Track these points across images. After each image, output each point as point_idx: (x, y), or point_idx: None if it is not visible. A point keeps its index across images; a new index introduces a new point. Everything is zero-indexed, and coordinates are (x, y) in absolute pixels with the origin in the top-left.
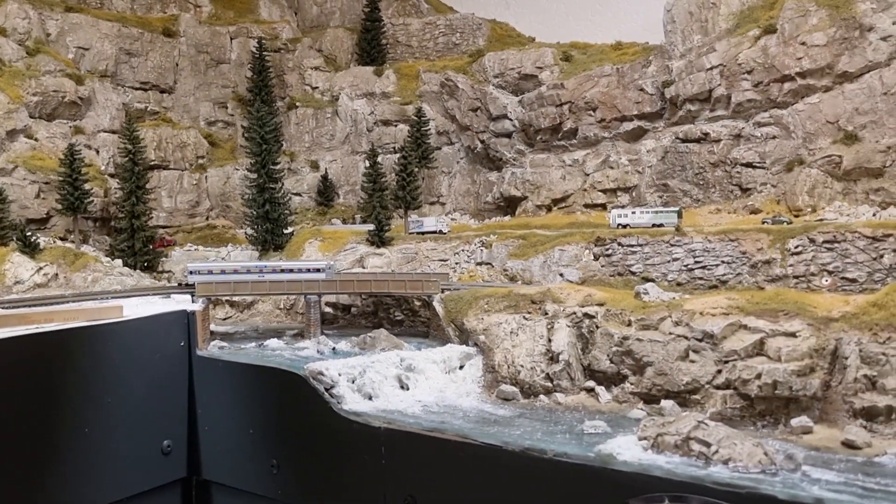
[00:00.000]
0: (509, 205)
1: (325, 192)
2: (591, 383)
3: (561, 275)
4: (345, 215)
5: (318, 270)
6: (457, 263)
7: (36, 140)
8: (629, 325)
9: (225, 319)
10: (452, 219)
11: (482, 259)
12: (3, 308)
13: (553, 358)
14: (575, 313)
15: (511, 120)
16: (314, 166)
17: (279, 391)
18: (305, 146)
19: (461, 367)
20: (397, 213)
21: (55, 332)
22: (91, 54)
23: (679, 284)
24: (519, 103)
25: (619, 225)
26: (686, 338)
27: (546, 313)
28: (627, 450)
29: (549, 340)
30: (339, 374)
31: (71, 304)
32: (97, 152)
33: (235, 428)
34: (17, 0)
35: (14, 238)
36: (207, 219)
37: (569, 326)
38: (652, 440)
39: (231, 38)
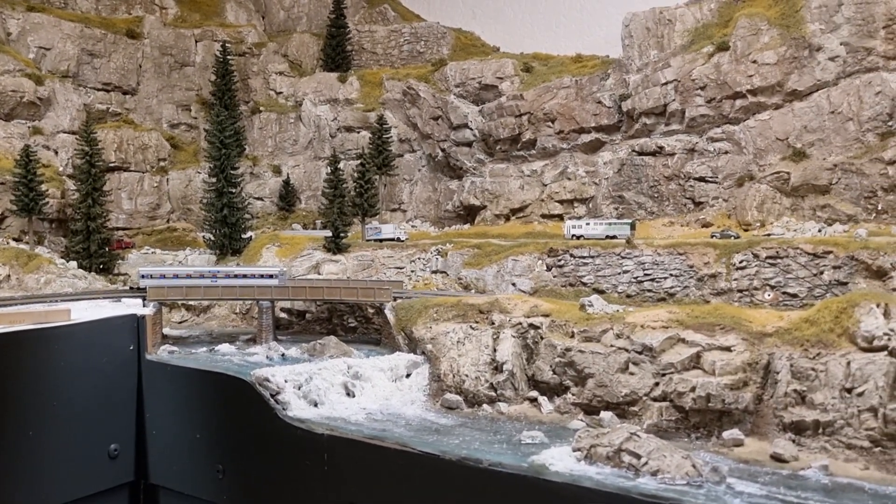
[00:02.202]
0: (469, 213)
1: (287, 197)
2: (534, 393)
3: (514, 284)
4: (306, 220)
5: (271, 276)
6: (412, 271)
7: None
8: (572, 336)
9: (180, 323)
10: (413, 226)
11: (438, 267)
12: None
13: (497, 368)
14: (521, 324)
15: (471, 129)
16: (276, 171)
17: (225, 396)
18: (268, 151)
19: (408, 376)
20: (357, 220)
21: (1, 334)
22: (52, 54)
23: (629, 296)
24: (479, 113)
25: (573, 236)
26: (627, 350)
27: (493, 323)
28: (560, 460)
29: (495, 350)
30: (286, 381)
31: (19, 306)
32: (56, 153)
33: (183, 432)
34: None
35: None
36: (168, 221)
37: (514, 337)
38: (585, 451)
39: (196, 41)
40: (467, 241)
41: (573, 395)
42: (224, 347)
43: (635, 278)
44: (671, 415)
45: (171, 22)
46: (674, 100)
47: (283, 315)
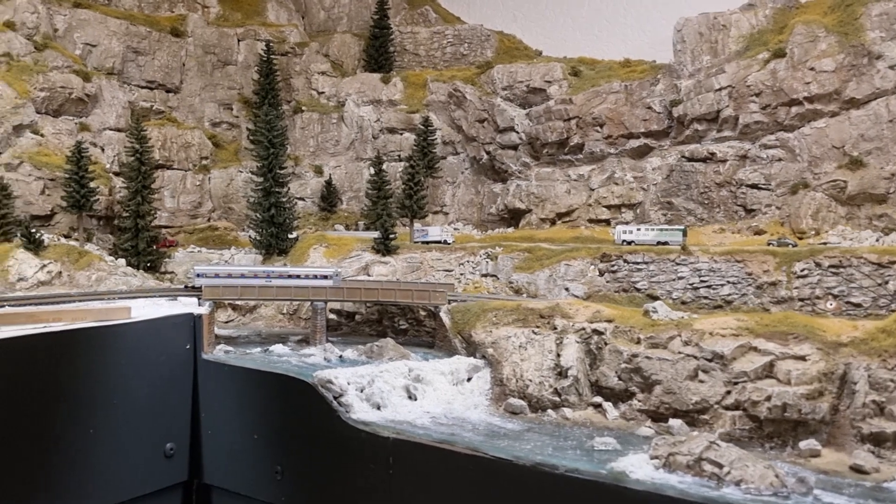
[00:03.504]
0: (513, 217)
1: (329, 198)
2: (598, 399)
3: (566, 289)
4: (347, 221)
5: (325, 277)
6: (461, 274)
7: (42, 136)
8: (638, 342)
9: (227, 322)
10: (455, 228)
11: (487, 271)
12: (11, 306)
13: (561, 373)
14: (584, 329)
15: (518, 133)
16: (318, 171)
17: (287, 398)
18: (310, 151)
19: (469, 380)
20: (400, 222)
21: (64, 331)
22: (98, 51)
23: (684, 303)
24: (526, 116)
25: (623, 241)
26: (695, 357)
27: (555, 328)
28: (639, 468)
29: (558, 355)
30: (348, 383)
31: (78, 303)
32: (102, 150)
33: (239, 433)
34: None
35: (18, 234)
36: (209, 220)
37: (578, 342)
38: (664, 459)
39: (238, 40)
40: (516, 244)
41: (639, 401)
42: (278, 348)
43: (691, 285)
44: (744, 424)
45: (214, 21)
46: (727, 106)
47: (332, 316)
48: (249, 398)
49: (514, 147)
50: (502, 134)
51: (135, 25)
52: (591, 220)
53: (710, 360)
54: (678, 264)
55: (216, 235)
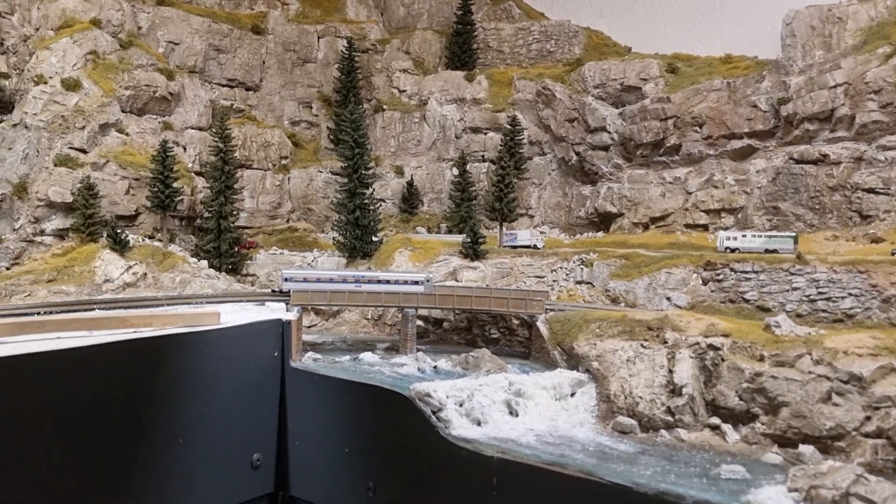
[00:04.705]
0: (602, 221)
1: (410, 199)
2: (715, 420)
3: (668, 299)
4: (429, 223)
5: (416, 283)
6: (554, 281)
7: (127, 135)
8: (761, 360)
9: (310, 327)
10: (542, 232)
11: (582, 278)
12: (101, 308)
13: (675, 391)
14: (698, 344)
15: (610, 133)
16: (399, 172)
17: (381, 411)
18: (391, 151)
19: (572, 395)
20: (484, 225)
21: (155, 337)
22: (181, 49)
23: (799, 316)
24: (619, 116)
25: (727, 248)
26: (828, 378)
27: (665, 342)
28: (778, 502)
29: (671, 371)
30: (447, 397)
31: (166, 307)
32: (184, 149)
33: (329, 445)
34: None
35: (104, 234)
36: (288, 221)
37: (691, 357)
38: (804, 493)
39: (318, 37)
40: (611, 250)
41: (763, 424)
42: (367, 356)
43: (807, 297)
44: (888, 454)
45: (293, 18)
46: (843, 104)
47: (419, 323)
48: (341, 410)
49: (606, 148)
50: (593, 134)
51: (216, 23)
52: (687, 225)
53: (845, 382)
54: (792, 274)
55: (296, 237)
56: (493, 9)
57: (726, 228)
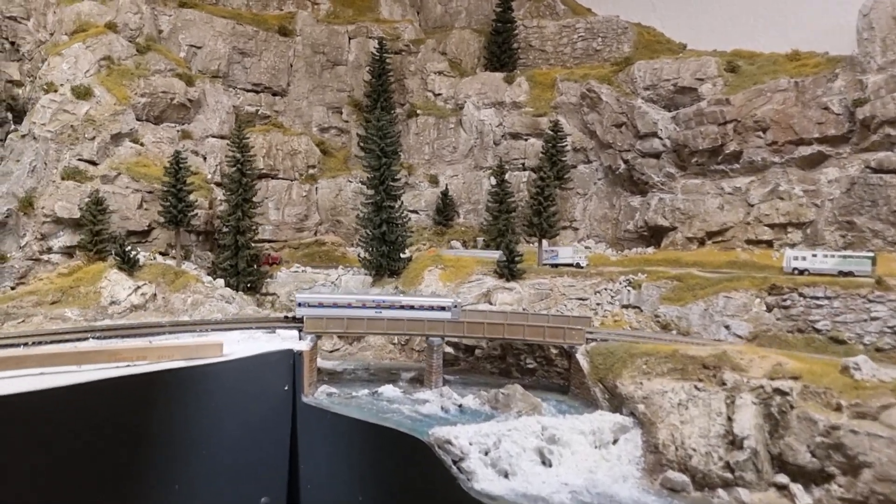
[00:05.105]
0: (653, 235)
1: (445, 211)
2: (783, 479)
3: (726, 327)
4: (465, 237)
5: (442, 309)
6: (598, 304)
7: (142, 145)
8: (838, 409)
9: (332, 352)
10: (587, 247)
11: (629, 301)
12: (96, 338)
13: (735, 442)
14: (762, 387)
15: (661, 138)
16: (433, 181)
17: (398, 456)
18: (425, 158)
19: (614, 442)
20: (525, 238)
21: (147, 373)
22: (203, 53)
23: (879, 350)
24: (672, 120)
25: (794, 269)
26: None
27: (723, 384)
28: None
29: (730, 419)
30: (470, 444)
31: (168, 335)
32: (204, 159)
33: (343, 491)
34: None
35: (112, 252)
36: (316, 234)
37: (754, 403)
38: None
39: (349, 38)
40: (662, 271)
41: (841, 487)
42: (388, 390)
43: (889, 328)
44: None
45: (324, 18)
46: None
47: (448, 349)
48: (355, 452)
49: (657, 155)
50: (643, 140)
51: (241, 25)
52: (748, 241)
53: None
54: (871, 301)
55: (323, 251)
56: (536, 5)
57: (793, 246)
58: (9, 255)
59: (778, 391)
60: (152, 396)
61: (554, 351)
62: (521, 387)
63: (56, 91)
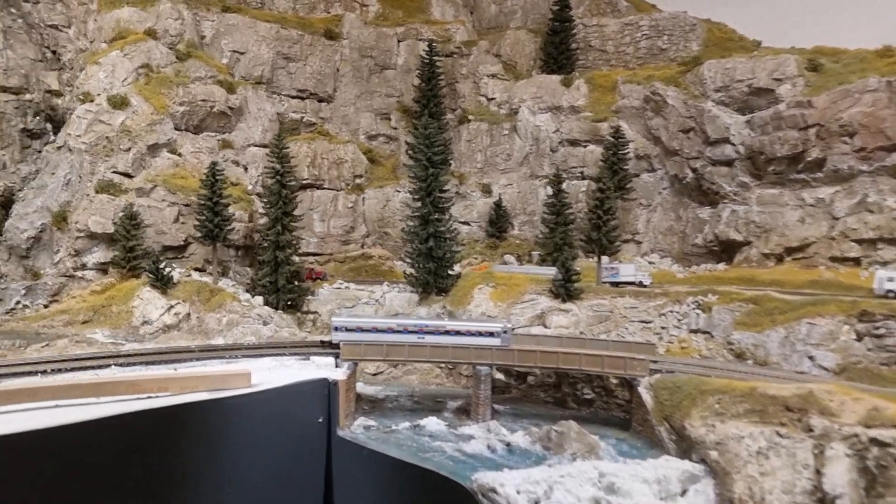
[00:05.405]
0: (725, 250)
1: (498, 222)
2: None
3: (810, 357)
4: (519, 250)
5: (491, 334)
6: (663, 328)
7: (180, 155)
8: None
9: (375, 375)
10: (650, 262)
11: (698, 325)
12: (118, 365)
13: (824, 501)
14: (856, 436)
15: (734, 145)
16: (486, 191)
17: (438, 501)
18: (477, 167)
19: (683, 493)
20: (583, 253)
21: (169, 407)
22: (246, 59)
23: None
24: (746, 124)
25: (888, 292)
26: None
27: (810, 429)
28: None
29: (818, 473)
30: (518, 492)
31: (195, 362)
32: (245, 169)
33: None
34: None
35: (146, 269)
36: (363, 247)
37: (848, 455)
38: None
39: (398, 41)
40: (736, 293)
41: None
42: (431, 423)
43: None
44: None
45: (372, 20)
46: None
47: (499, 376)
48: (393, 494)
49: (729, 163)
50: (713, 146)
51: (286, 29)
52: (833, 259)
53: None
54: None
55: (370, 265)
56: (596, 2)
57: (884, 265)
58: (42, 272)
59: (875, 441)
60: (174, 432)
61: (614, 381)
62: (577, 421)
63: (92, 101)
